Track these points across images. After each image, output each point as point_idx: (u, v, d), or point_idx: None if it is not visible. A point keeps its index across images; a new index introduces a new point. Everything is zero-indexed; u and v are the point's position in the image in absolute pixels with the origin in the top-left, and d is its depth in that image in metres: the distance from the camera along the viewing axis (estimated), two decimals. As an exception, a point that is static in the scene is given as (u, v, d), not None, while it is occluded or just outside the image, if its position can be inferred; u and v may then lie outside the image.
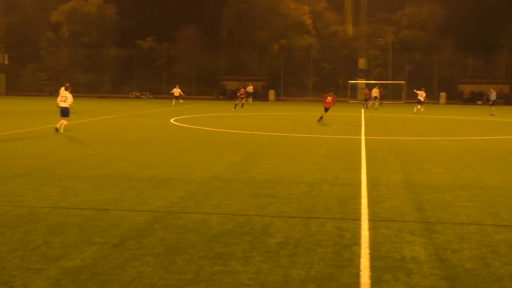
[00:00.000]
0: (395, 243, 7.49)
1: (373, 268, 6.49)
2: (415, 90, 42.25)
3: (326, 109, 29.71)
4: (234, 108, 41.16)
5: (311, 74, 74.08)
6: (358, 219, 8.75)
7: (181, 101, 48.95)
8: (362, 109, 43.97)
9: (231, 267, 6.47)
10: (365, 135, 22.76)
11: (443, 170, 13.78)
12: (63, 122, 21.86)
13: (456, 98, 65.00)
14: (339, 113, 37.35)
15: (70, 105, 22.07)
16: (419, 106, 40.52)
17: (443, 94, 63.32)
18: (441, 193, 10.86)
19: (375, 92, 47.80)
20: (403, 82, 66.33)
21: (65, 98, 22.08)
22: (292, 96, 70.12)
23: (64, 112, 21.93)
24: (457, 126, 29.56)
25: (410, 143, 20.40)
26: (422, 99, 40.63)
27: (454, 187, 11.57)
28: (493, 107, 40.45)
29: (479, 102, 61.17)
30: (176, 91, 47.56)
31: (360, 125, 28.14)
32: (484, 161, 15.68)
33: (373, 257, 6.86)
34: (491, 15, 67.58)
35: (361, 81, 69.64)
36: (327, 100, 29.57)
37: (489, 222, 8.73)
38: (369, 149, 17.91)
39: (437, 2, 71.36)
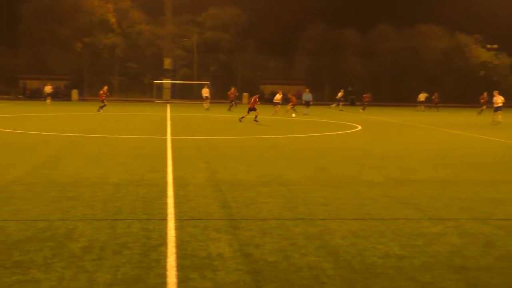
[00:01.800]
0: (201, 241, 7.60)
1: (180, 267, 6.52)
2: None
3: (250, 109, 31.98)
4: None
5: (117, 73, 72.79)
6: (164, 219, 8.75)
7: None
8: (168, 109, 44.12)
9: (31, 275, 6.13)
10: (171, 135, 22.86)
11: (247, 168, 14.26)
12: None
13: (259, 98, 67.55)
14: (144, 113, 37.10)
15: None
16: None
17: (246, 94, 65.55)
18: (245, 190, 11.23)
19: (205, 92, 47.54)
20: (208, 82, 67.63)
21: None
22: (97, 96, 68.29)
23: None
24: (257, 125, 30.71)
25: (216, 142, 20.84)
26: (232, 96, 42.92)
27: (257, 184, 12.02)
28: (307, 108, 42.63)
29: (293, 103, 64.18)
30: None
31: (166, 125, 28.21)
32: (285, 158, 16.48)
33: (179, 256, 6.89)
34: (291, 19, 71.35)
35: (167, 81, 69.82)
36: (251, 101, 32.31)
37: (288, 216, 9.18)
38: (175, 148, 18.00)
39: (240, 5, 73.78)
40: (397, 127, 31.11)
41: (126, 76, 71.94)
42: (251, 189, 11.35)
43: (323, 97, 68.70)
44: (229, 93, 46.10)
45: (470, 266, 6.83)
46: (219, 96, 61.41)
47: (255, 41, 73.35)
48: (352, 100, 66.11)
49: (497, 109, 32.43)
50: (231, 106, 44.47)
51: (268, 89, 68.83)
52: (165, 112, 41.21)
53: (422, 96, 54.10)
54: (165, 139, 20.93)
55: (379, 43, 73.69)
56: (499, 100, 32.74)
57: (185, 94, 69.40)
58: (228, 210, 9.47)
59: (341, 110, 49.59)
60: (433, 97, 54.21)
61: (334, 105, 52.47)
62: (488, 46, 74.19)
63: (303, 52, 74.09)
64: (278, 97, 43.83)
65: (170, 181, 12.00)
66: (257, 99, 33.18)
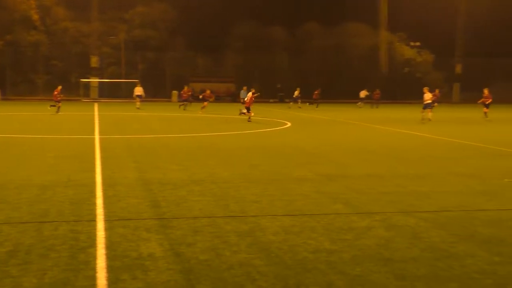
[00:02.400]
0: (132, 241, 7.50)
1: (110, 268, 6.41)
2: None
3: (248, 108, 32.13)
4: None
5: (41, 72, 70.82)
6: (93, 220, 8.58)
7: None
8: (95, 108, 43.29)
9: (-47, 283, 5.90)
10: (100, 134, 22.44)
11: (178, 167, 14.16)
12: None
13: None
14: (72, 112, 36.29)
15: None
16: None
17: (175, 92, 65.05)
18: (176, 189, 11.15)
19: (138, 90, 46.56)
20: (137, 80, 66.75)
21: None
22: (21, 95, 66.31)
23: None
24: (191, 123, 30.59)
25: (146, 141, 20.60)
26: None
27: (188, 182, 11.95)
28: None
29: (211, 100, 63.85)
30: None
31: (94, 124, 27.68)
32: (216, 156, 16.47)
33: (109, 258, 6.78)
34: (220, 17, 71.28)
35: (94, 80, 68.49)
36: (248, 100, 32.32)
37: (220, 214, 9.18)
38: (104, 148, 17.68)
39: (168, 2, 73.10)
40: (326, 124, 31.59)
41: (51, 75, 69.99)
42: (182, 188, 11.28)
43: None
44: (182, 92, 45.35)
45: (397, 258, 7.01)
46: (149, 94, 60.65)
47: (184, 39, 72.88)
48: (281, 97, 66.64)
49: (426, 106, 32.88)
50: (185, 106, 43.60)
51: (197, 86, 68.45)
52: (93, 111, 40.43)
53: (362, 93, 55.09)
54: (93, 139, 20.53)
55: (307, 41, 74.59)
56: (427, 97, 33.16)
57: (114, 92, 68.21)
58: (159, 210, 9.38)
59: (299, 107, 49.95)
60: (374, 93, 55.23)
61: (291, 103, 52.54)
62: (412, 43, 76.23)
63: (232, 50, 74.16)
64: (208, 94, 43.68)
65: (99, 181, 11.78)
66: (253, 97, 33.00)
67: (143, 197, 10.34)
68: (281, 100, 65.89)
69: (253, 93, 32.88)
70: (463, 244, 7.67)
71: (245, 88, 43.55)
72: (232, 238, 7.77)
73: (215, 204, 9.86)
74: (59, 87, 38.35)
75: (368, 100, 54.92)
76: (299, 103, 51.38)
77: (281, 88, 67.75)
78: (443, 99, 63.96)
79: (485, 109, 35.19)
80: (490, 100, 35.00)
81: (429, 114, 32.65)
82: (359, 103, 54.13)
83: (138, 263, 6.64)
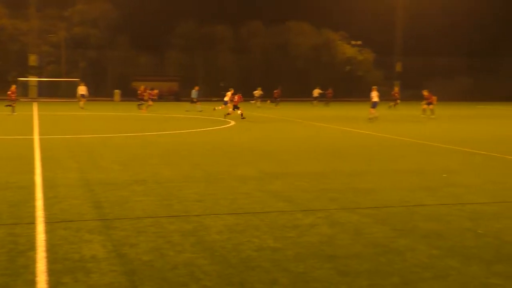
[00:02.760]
0: (74, 243, 7.36)
1: (50, 272, 6.27)
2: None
3: (236, 107, 32.95)
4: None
5: (-23, 71, 68.75)
6: (33, 222, 8.38)
7: None
8: (35, 107, 42.32)
9: None
10: (40, 134, 21.94)
11: (121, 167, 13.98)
12: None
13: (130, 95, 66.38)
14: (9, 112, 35.35)
15: None
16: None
17: (117, 91, 64.21)
18: (118, 189, 11.00)
19: (81, 90, 45.45)
20: (78, 79, 65.60)
21: None
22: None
23: None
24: (134, 123, 30.26)
25: (88, 141, 20.26)
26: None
27: (131, 182, 11.82)
28: (198, 104, 41.90)
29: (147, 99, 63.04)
30: None
31: (33, 124, 27.05)
32: (159, 155, 16.33)
33: (50, 261, 6.63)
34: (163, 15, 70.69)
35: (33, 79, 66.90)
36: (235, 99, 33.24)
37: (163, 214, 9.11)
38: (44, 149, 17.30)
39: (109, 0, 72.03)
40: (269, 122, 31.74)
41: (-12, 74, 68.09)
42: (124, 188, 11.14)
43: (200, 93, 68.58)
44: (140, 91, 44.33)
45: (340, 254, 7.10)
46: (90, 93, 59.63)
47: (126, 37, 71.98)
48: (224, 95, 66.55)
49: (374, 104, 32.80)
50: (142, 105, 42.65)
51: (140, 85, 67.61)
52: (32, 111, 39.49)
53: (316, 92, 55.49)
54: (33, 139, 20.06)
55: (250, 39, 74.79)
56: (375, 96, 33.03)
57: (54, 91, 66.80)
58: (101, 210, 9.24)
59: (258, 107, 49.96)
60: (326, 92, 55.67)
61: (257, 102, 52.41)
62: (353, 42, 77.36)
63: (176, 48, 73.67)
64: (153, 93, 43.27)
65: (38, 183, 11.51)
66: (241, 96, 34.32)
67: (85, 198, 10.16)
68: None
69: (232, 93, 34.46)
70: (403, 238, 7.83)
71: (196, 88, 43.25)
72: (175, 238, 7.72)
73: (159, 204, 9.78)
74: (14, 86, 37.41)
75: (322, 98, 55.38)
76: (258, 102, 51.62)
77: (225, 86, 67.73)
78: (382, 97, 64.82)
79: (425, 106, 35.96)
80: (433, 100, 35.85)
81: (374, 112, 32.79)
82: (315, 101, 54.55)
83: (80, 265, 6.52)
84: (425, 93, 36.32)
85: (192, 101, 42.41)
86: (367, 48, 76.80)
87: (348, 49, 77.12)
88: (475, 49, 75.72)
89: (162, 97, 59.62)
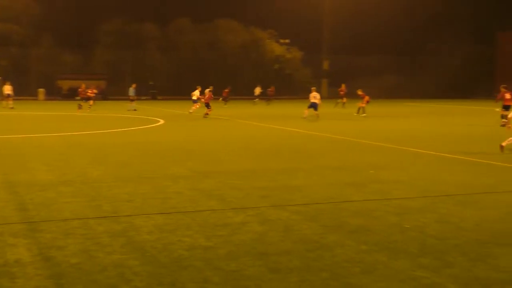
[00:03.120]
0: (-3, 247, 7.12)
1: (-27, 278, 6.05)
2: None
3: (207, 105, 33.85)
4: None
5: None
6: (-46, 227, 8.05)
7: None
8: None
9: None
10: (-40, 135, 21.13)
11: (47, 167, 13.63)
12: None
13: (55, 93, 64.81)
14: None
15: None
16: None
17: (41, 90, 62.48)
18: (45, 191, 10.72)
19: (7, 89, 43.70)
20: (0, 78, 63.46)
21: None
22: None
23: None
24: (60, 122, 29.55)
25: (12, 141, 19.64)
26: None
27: (58, 183, 11.54)
28: (133, 103, 40.97)
29: (78, 98, 61.68)
30: None
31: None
32: (88, 155, 16.01)
33: (-28, 266, 6.39)
34: (89, 12, 69.24)
35: None
36: (205, 97, 34.27)
37: (92, 215, 8.93)
38: (-36, 150, 16.66)
39: (32, -4, 70.00)
40: (200, 120, 31.62)
41: None
42: (50, 189, 10.87)
43: (125, 92, 67.57)
44: (80, 90, 43.13)
45: (271, 251, 7.15)
46: (16, 92, 57.79)
47: (50, 34, 70.07)
48: (153, 94, 65.93)
49: (313, 105, 32.50)
50: (84, 104, 41.46)
51: (66, 84, 66.21)
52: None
53: (257, 90, 55.51)
54: (-48, 140, 19.29)
55: (179, 37, 74.26)
56: (315, 96, 32.81)
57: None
58: (26, 213, 8.98)
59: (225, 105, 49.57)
60: (268, 90, 55.76)
61: (221, 100, 52.00)
62: (281, 40, 78.00)
63: (102, 46, 72.30)
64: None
65: (-41, 186, 11.08)
66: (212, 94, 35.39)
67: (8, 200, 9.85)
68: (153, 98, 65.19)
69: (210, 91, 35.52)
70: (332, 234, 7.96)
71: (133, 85, 42.40)
72: (105, 239, 7.59)
73: (87, 205, 9.59)
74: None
75: (264, 96, 55.46)
76: (256, 100, 52.41)
77: (154, 85, 67.02)
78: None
79: (361, 105, 36.61)
80: (366, 98, 36.63)
81: (307, 112, 32.43)
82: (256, 99, 54.60)
83: (3, 270, 6.31)
84: (359, 92, 37.05)
85: (130, 100, 41.45)
86: (295, 47, 77.64)
87: (277, 48, 77.72)
88: (402, 48, 77.79)
89: (89, 96, 58.41)
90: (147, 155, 16.20)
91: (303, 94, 67.04)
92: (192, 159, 15.39)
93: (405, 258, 6.89)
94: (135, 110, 39.51)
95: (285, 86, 70.53)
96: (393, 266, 6.62)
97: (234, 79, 68.38)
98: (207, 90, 35.56)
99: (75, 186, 11.30)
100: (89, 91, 39.66)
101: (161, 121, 29.79)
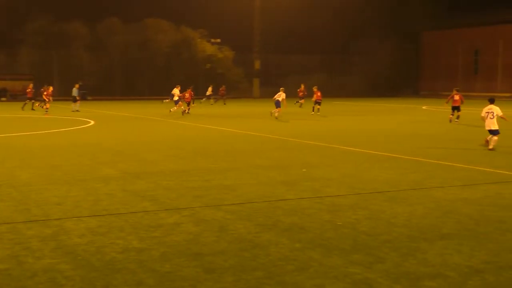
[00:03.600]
0: None
1: None
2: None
3: (189, 103, 35.95)
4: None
5: None
6: None
7: None
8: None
9: None
10: None
11: (-30, 171, 13.15)
12: None
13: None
14: None
15: None
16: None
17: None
18: (-31, 195, 10.34)
19: None
20: None
21: None
22: None
23: None
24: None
25: None
26: None
27: (-17, 187, 11.15)
28: (77, 103, 39.69)
29: (4, 99, 59.85)
30: None
31: None
32: (15, 157, 15.55)
33: None
34: (12, 10, 67.22)
35: None
36: (186, 96, 35.93)
37: (20, 219, 8.68)
38: None
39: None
40: (131, 121, 31.21)
41: None
42: (-24, 194, 10.49)
43: (56, 92, 65.95)
44: (28, 90, 41.61)
45: (206, 252, 7.14)
46: None
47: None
48: (83, 95, 64.56)
49: (277, 104, 32.24)
50: (25, 104, 40.10)
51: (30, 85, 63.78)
52: None
53: (209, 90, 54.99)
54: None
55: (108, 37, 73.00)
56: (280, 96, 32.54)
57: None
58: (-50, 219, 8.64)
59: (212, 104, 48.82)
60: (220, 90, 55.28)
61: (204, 99, 51.12)
62: (212, 40, 77.85)
63: (28, 45, 70.23)
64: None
65: None
66: (192, 93, 37.11)
67: None
68: (84, 98, 63.87)
69: (191, 90, 37.20)
70: (267, 233, 8.01)
71: (77, 85, 41.23)
72: (34, 243, 7.39)
73: (15, 209, 9.31)
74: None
75: (216, 96, 54.99)
76: (211, 100, 51.84)
77: (83, 85, 65.67)
78: (242, 94, 66.08)
79: (317, 106, 36.99)
80: (315, 97, 37.27)
81: (277, 110, 32.20)
82: (210, 99, 54.11)
83: None
84: (314, 89, 37.72)
85: (74, 100, 40.15)
86: (227, 46, 77.68)
87: (208, 47, 77.53)
88: (331, 47, 79.01)
89: (15, 97, 56.89)
90: (77, 157, 15.87)
91: (235, 94, 67.34)
92: (124, 160, 15.18)
93: (338, 255, 7.01)
94: (77, 111, 38.39)
95: (217, 86, 70.58)
96: (326, 263, 6.72)
97: (166, 79, 67.75)
98: (189, 90, 36.78)
99: (2, 189, 10.95)
100: (45, 94, 38.10)
101: (92, 122, 29.22)
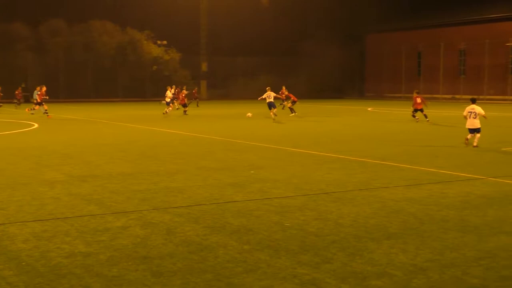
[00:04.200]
0: None
1: None
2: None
3: (184, 105, 37.02)
4: None
5: None
6: None
7: None
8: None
9: None
10: None
11: None
12: None
13: None
14: None
15: None
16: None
17: None
18: None
19: None
20: None
21: None
22: None
23: None
24: None
25: None
26: None
27: None
28: (43, 106, 38.39)
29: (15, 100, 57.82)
30: None
31: None
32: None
33: None
34: None
35: None
36: (180, 98, 37.08)
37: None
38: None
39: None
40: (76, 123, 30.68)
41: None
42: None
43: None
44: (16, 92, 40.55)
45: (153, 255, 7.08)
46: None
47: None
48: (26, 97, 63.14)
49: (270, 104, 31.73)
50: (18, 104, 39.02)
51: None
52: None
53: (183, 93, 54.21)
54: None
55: (52, 38, 71.57)
56: (268, 95, 31.90)
57: None
58: None
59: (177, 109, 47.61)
60: (193, 91, 54.58)
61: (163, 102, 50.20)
62: (159, 42, 77.21)
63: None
64: None
65: None
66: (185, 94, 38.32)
67: None
68: (27, 101, 62.42)
69: (183, 90, 38.72)
70: (215, 235, 8.00)
71: (38, 88, 40.06)
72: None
73: (-45, 215, 9.03)
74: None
75: (190, 99, 54.26)
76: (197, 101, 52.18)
77: (26, 87, 64.18)
78: (189, 96, 65.43)
79: (289, 104, 37.59)
80: (291, 97, 37.63)
81: (273, 114, 31.65)
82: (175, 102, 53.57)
83: None
84: (285, 91, 38.08)
85: (38, 103, 38.86)
86: (173, 48, 77.21)
87: (154, 49, 76.88)
88: (278, 50, 79.40)
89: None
90: (21, 160, 15.51)
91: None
92: (69, 163, 14.91)
93: (286, 256, 7.06)
94: (32, 114, 37.32)
95: (163, 88, 70.09)
96: (275, 264, 6.76)
97: (112, 81, 66.93)
98: (183, 91, 38.22)
99: None
100: (38, 94, 36.86)
101: (36, 125, 28.61)
